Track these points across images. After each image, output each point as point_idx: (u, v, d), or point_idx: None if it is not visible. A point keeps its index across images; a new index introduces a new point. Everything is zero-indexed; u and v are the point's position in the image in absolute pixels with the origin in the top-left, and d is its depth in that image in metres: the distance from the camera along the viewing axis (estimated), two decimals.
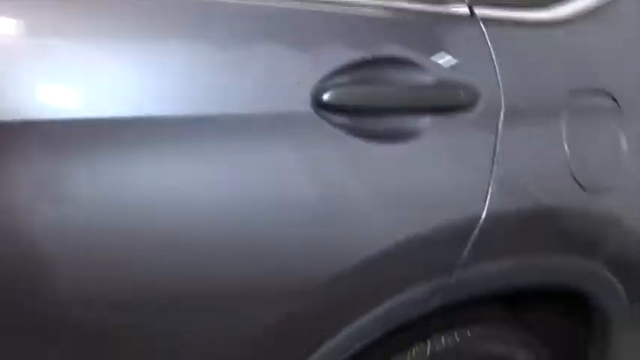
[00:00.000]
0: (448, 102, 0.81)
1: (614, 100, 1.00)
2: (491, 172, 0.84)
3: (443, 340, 0.96)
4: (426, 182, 0.81)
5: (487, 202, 0.84)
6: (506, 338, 1.04)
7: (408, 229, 0.79)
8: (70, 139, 0.60)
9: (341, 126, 0.72)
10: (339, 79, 0.72)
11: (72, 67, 0.61)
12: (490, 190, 0.84)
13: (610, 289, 1.06)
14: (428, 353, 0.94)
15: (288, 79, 0.70)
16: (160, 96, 0.65)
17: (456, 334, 0.97)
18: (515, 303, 1.09)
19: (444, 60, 0.81)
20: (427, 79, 0.79)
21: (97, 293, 0.64)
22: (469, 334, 0.98)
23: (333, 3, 0.77)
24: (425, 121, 0.79)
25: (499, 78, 0.86)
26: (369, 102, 0.75)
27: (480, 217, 0.84)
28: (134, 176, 0.64)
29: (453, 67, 0.82)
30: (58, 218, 0.60)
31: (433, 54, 0.81)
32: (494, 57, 0.86)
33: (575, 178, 0.94)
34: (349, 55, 0.73)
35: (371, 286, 0.79)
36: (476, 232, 0.84)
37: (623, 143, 1.01)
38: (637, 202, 1.06)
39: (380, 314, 0.80)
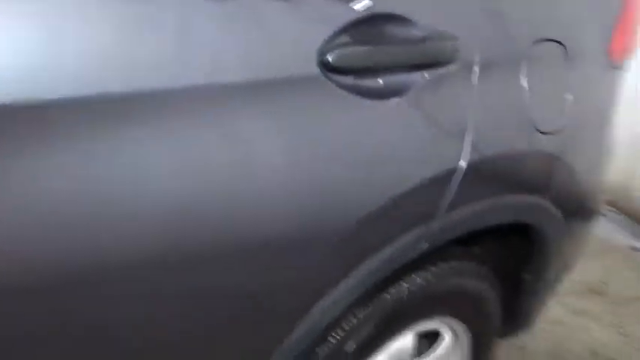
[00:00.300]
0: (437, 56, 0.83)
1: (564, 48, 1.07)
2: (470, 123, 0.89)
3: (417, 280, 1.03)
4: (418, 135, 0.84)
5: (467, 151, 0.89)
6: (468, 272, 1.13)
7: (403, 180, 0.83)
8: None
9: (346, 86, 0.73)
10: (341, 40, 0.72)
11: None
12: (470, 141, 0.89)
13: (553, 218, 1.17)
14: (405, 292, 1.01)
15: (294, 42, 0.68)
16: (164, 64, 0.61)
17: (428, 274, 1.04)
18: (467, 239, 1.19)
19: (432, 13, 0.82)
20: (419, 33, 0.80)
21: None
22: (439, 271, 1.06)
23: None
24: (416, 77, 0.81)
25: (475, 30, 0.89)
26: (371, 62, 0.75)
27: (461, 166, 0.89)
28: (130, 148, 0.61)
29: (439, 20, 0.83)
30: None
31: (420, 7, 0.81)
32: (471, 9, 0.89)
33: (533, 123, 1.02)
34: (349, 14, 0.72)
35: (372, 236, 0.83)
36: (457, 179, 0.89)
37: (569, 88, 1.10)
38: (578, 141, 1.16)
39: (381, 260, 0.85)
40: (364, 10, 0.73)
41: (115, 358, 0.68)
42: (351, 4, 0.75)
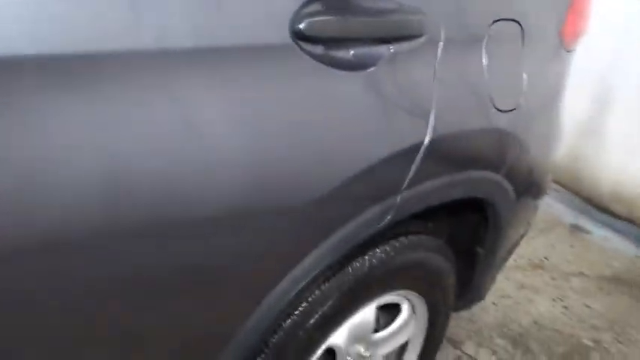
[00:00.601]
0: (405, 30, 0.84)
1: (522, 28, 1.10)
2: (433, 99, 0.91)
3: (378, 253, 1.05)
4: (384, 109, 0.84)
5: (430, 127, 0.91)
6: (426, 247, 1.16)
7: (368, 154, 0.83)
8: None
9: (316, 56, 0.72)
10: (313, 8, 0.71)
11: None
12: (432, 116, 0.91)
13: (506, 194, 1.21)
14: (368, 266, 1.03)
15: (265, 8, 0.67)
16: (129, 29, 0.59)
17: (389, 247, 1.06)
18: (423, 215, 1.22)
19: None
20: (389, 6, 0.80)
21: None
22: (398, 245, 1.08)
23: None
24: (384, 49, 0.82)
25: (440, 5, 0.90)
26: (343, 32, 0.75)
27: (424, 141, 0.91)
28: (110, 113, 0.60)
29: None
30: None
31: None
32: None
33: (492, 101, 1.05)
34: None
35: (337, 210, 0.84)
36: (420, 155, 0.91)
37: (526, 67, 1.14)
38: (531, 120, 1.21)
39: (345, 234, 0.85)
40: None
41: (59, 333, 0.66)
42: None
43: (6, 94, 0.54)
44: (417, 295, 1.21)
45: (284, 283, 0.85)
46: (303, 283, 0.89)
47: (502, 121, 1.09)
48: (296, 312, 0.96)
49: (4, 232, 0.56)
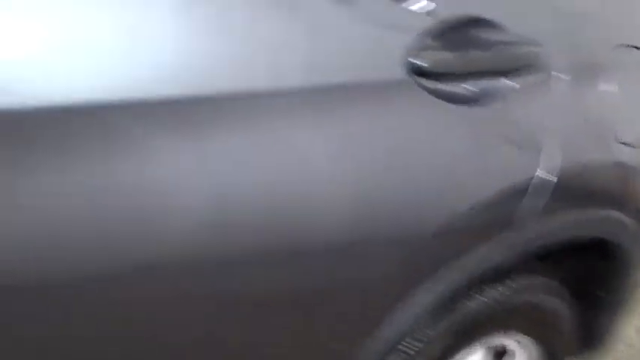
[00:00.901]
0: (522, 63, 0.82)
1: None
2: (552, 132, 0.87)
3: (492, 292, 1.01)
4: (499, 143, 0.82)
5: (549, 162, 0.87)
6: (541, 288, 1.10)
7: (482, 190, 0.81)
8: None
9: (432, 91, 0.73)
10: (428, 42, 0.72)
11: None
12: (552, 151, 0.87)
13: (633, 234, 1.13)
14: (482, 305, 0.99)
15: (378, 45, 0.69)
16: (241, 69, 0.62)
17: (503, 287, 1.02)
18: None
19: (516, 18, 0.81)
20: (505, 39, 0.79)
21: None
22: (514, 285, 1.03)
23: None
24: (501, 83, 0.80)
25: (558, 36, 0.88)
26: (459, 67, 0.75)
27: (541, 177, 0.87)
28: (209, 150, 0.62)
29: (524, 26, 0.82)
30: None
31: (505, 12, 0.80)
32: (553, 14, 0.87)
33: (614, 133, 0.99)
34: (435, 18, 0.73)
35: (449, 245, 0.82)
36: (537, 191, 0.87)
37: None
38: None
39: (457, 272, 0.83)
40: (451, 16, 0.73)
41: None
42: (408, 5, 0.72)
43: (143, 134, 0.57)
44: (531, 338, 1.14)
45: (394, 319, 0.84)
46: (413, 319, 0.87)
47: (626, 155, 1.02)
48: (404, 348, 0.93)
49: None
